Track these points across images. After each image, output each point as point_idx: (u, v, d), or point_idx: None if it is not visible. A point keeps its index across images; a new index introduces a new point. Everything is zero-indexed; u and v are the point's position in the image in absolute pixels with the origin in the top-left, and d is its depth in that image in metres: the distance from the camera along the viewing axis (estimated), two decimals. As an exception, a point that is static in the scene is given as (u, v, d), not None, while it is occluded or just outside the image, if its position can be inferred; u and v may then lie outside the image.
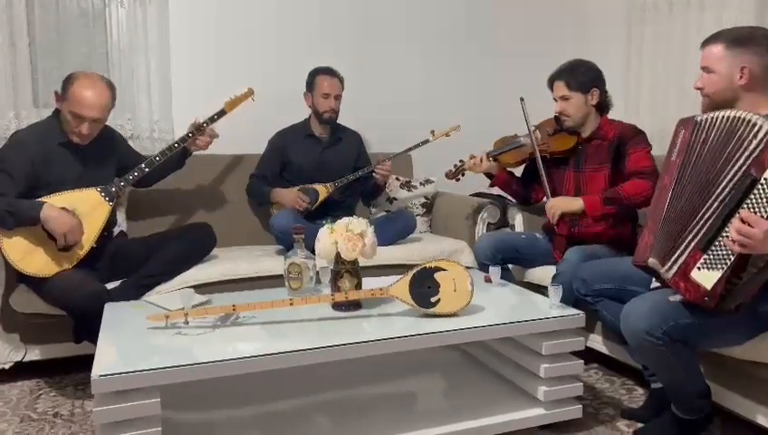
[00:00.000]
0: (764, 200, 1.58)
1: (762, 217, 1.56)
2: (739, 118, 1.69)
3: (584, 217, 2.51)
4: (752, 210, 1.58)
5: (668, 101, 3.46)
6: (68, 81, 2.31)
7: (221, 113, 2.70)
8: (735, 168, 1.65)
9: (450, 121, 3.16)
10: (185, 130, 2.66)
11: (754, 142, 1.63)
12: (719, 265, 1.63)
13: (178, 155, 2.66)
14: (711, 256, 1.66)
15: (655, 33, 3.56)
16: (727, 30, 1.88)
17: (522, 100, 2.74)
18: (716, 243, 1.65)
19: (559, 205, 2.52)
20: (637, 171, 2.42)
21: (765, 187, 1.58)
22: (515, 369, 2.09)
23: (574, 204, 2.49)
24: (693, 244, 1.70)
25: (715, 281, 1.63)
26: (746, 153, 1.64)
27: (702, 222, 1.69)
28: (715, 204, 1.67)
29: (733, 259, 1.61)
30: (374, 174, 3.07)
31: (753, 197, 1.60)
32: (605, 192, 2.46)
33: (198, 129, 2.63)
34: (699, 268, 1.67)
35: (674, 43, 3.43)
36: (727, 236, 1.61)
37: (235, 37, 3.37)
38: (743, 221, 1.56)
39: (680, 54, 3.37)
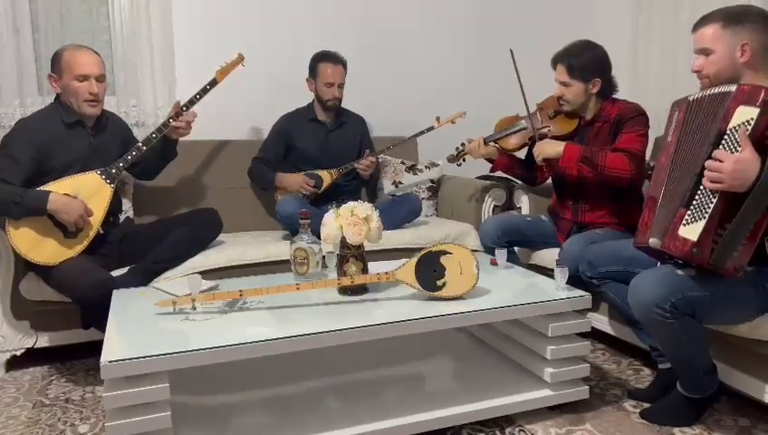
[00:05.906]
0: (732, 145, 1.63)
1: None
2: (722, 92, 1.71)
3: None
4: None
5: (676, 81, 3.43)
6: (56, 57, 2.38)
7: (213, 83, 2.69)
8: (714, 133, 1.69)
9: (456, 106, 3.14)
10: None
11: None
12: (701, 215, 1.65)
13: (167, 143, 2.62)
14: (693, 210, 1.68)
15: (663, 14, 3.51)
16: (717, 10, 1.83)
17: (511, 51, 2.69)
18: (696, 196, 1.68)
19: (543, 147, 2.55)
20: (624, 150, 2.38)
21: (730, 134, 1.64)
22: (522, 351, 2.10)
23: (556, 148, 2.50)
24: (679, 207, 1.73)
25: (699, 231, 1.64)
26: (720, 118, 1.68)
27: (690, 191, 1.72)
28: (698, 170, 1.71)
29: (713, 206, 1.63)
30: (356, 169, 3.06)
31: (721, 146, 1.65)
32: (587, 150, 2.43)
33: (190, 103, 2.58)
34: (685, 224, 1.69)
35: (682, 22, 3.38)
36: (703, 188, 1.66)
37: (239, 21, 3.36)
38: (714, 161, 1.62)
39: (688, 34, 3.32)
